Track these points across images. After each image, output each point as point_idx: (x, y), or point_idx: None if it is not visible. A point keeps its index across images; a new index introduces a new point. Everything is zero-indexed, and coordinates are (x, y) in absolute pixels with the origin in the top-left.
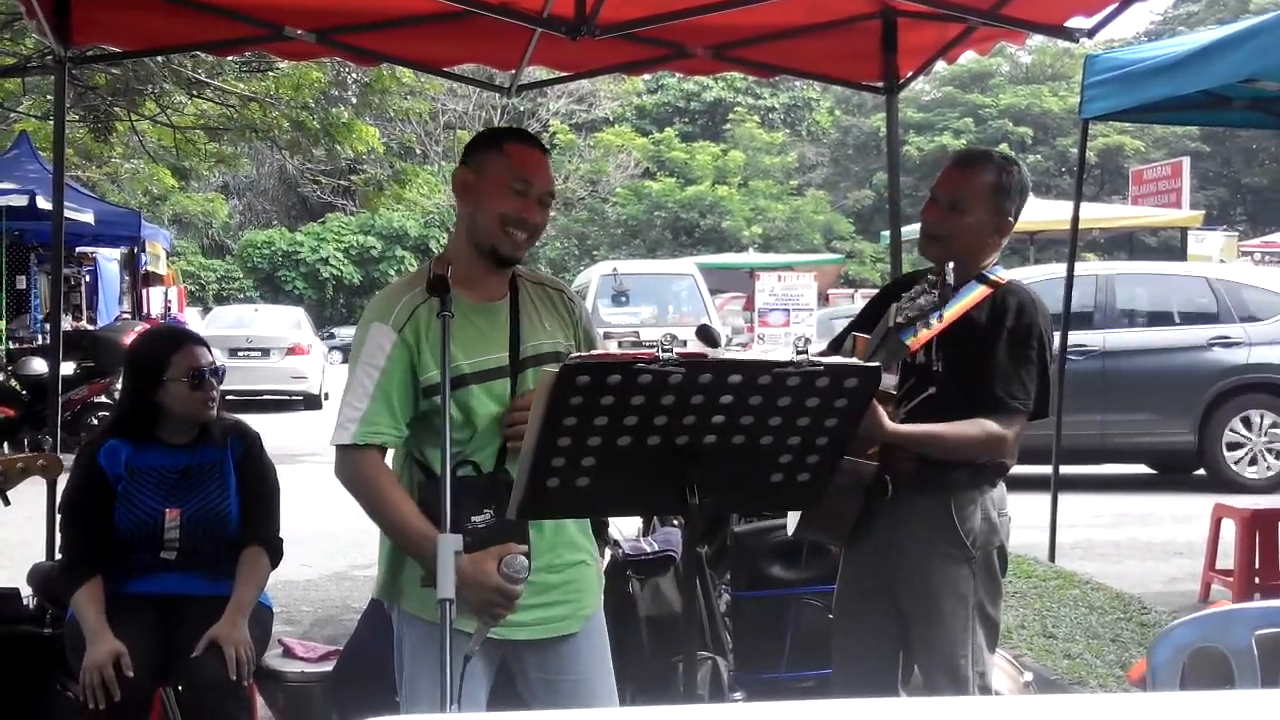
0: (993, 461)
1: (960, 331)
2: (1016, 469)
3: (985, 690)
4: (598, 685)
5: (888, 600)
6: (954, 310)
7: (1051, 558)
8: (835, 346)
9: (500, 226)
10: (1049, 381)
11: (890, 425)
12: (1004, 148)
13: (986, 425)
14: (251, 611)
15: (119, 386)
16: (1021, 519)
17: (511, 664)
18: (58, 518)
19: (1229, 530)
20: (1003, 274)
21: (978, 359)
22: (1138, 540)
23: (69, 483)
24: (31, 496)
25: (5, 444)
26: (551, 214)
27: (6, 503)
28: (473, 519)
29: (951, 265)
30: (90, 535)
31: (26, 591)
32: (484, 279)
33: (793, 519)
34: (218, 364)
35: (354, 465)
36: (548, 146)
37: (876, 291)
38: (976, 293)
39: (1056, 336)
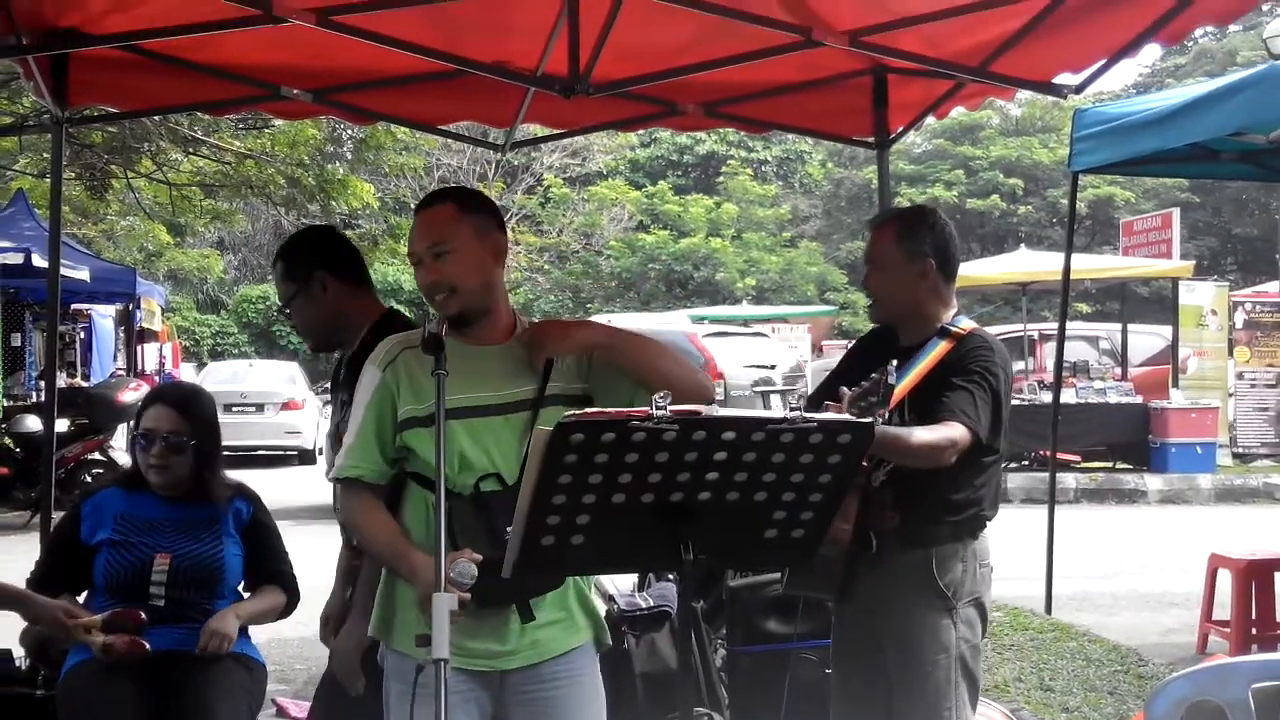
0: (974, 515)
1: (927, 387)
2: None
3: None
4: (585, 711)
5: (878, 655)
6: (920, 368)
7: (1048, 610)
8: (817, 397)
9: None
10: (1003, 416)
11: None
12: (995, 199)
13: (935, 429)
14: (245, 660)
15: (113, 444)
16: (1018, 571)
17: (505, 700)
18: None
19: (1225, 581)
20: (965, 324)
21: (939, 399)
22: (1134, 591)
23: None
24: (22, 555)
25: None
26: (545, 267)
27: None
28: (508, 529)
29: (894, 364)
30: (53, 563)
31: (19, 653)
32: (473, 329)
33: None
34: (184, 435)
35: (343, 500)
36: (542, 200)
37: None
38: (938, 349)
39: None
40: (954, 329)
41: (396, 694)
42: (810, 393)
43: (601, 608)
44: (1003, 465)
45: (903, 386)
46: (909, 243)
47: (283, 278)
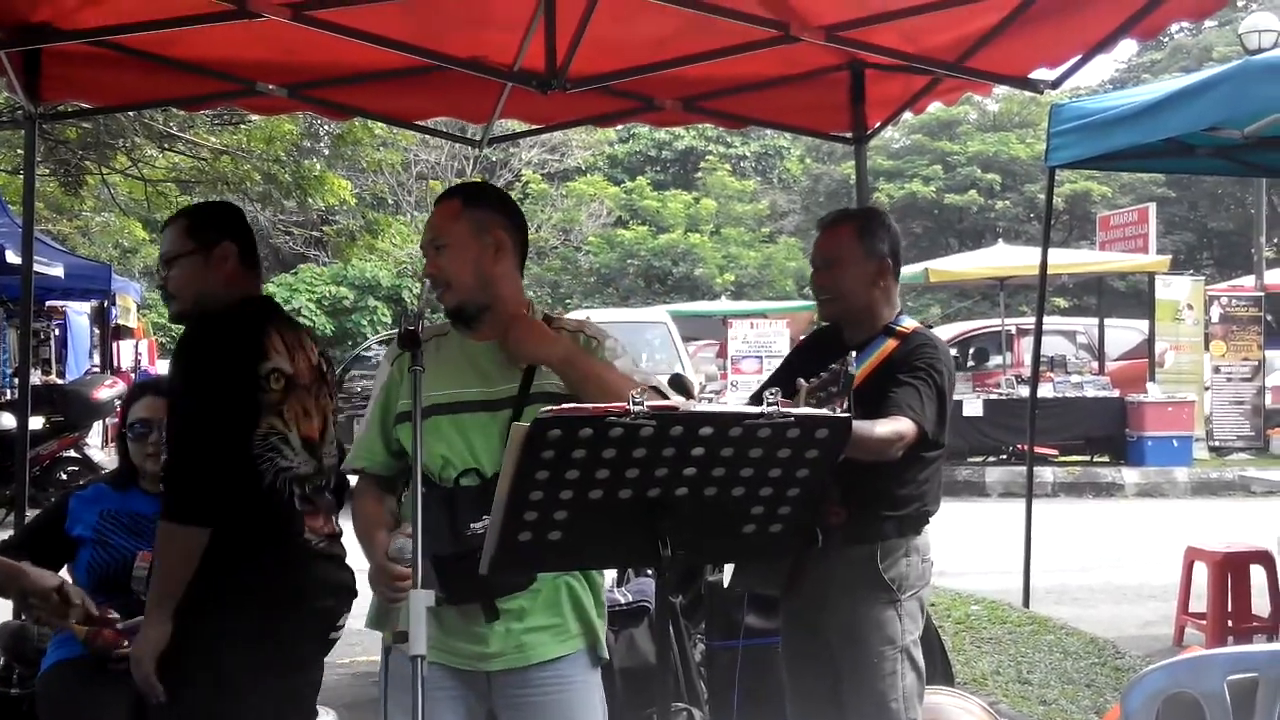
0: (918, 510)
1: (872, 384)
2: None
3: None
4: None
5: (826, 649)
6: (865, 366)
7: (1026, 603)
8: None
9: None
10: (947, 412)
11: None
12: (973, 194)
13: (883, 423)
14: None
15: (88, 441)
16: (995, 564)
17: (493, 701)
18: None
19: (1201, 574)
20: (908, 324)
21: (884, 396)
22: (1111, 584)
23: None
24: None
25: None
26: (526, 264)
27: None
28: (471, 525)
29: (853, 355)
30: (29, 537)
31: None
32: (478, 324)
33: (729, 570)
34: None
35: (354, 490)
36: (521, 196)
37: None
38: (883, 347)
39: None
40: (898, 328)
41: (392, 685)
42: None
43: (603, 627)
44: (944, 462)
45: None
46: (869, 240)
47: (183, 234)
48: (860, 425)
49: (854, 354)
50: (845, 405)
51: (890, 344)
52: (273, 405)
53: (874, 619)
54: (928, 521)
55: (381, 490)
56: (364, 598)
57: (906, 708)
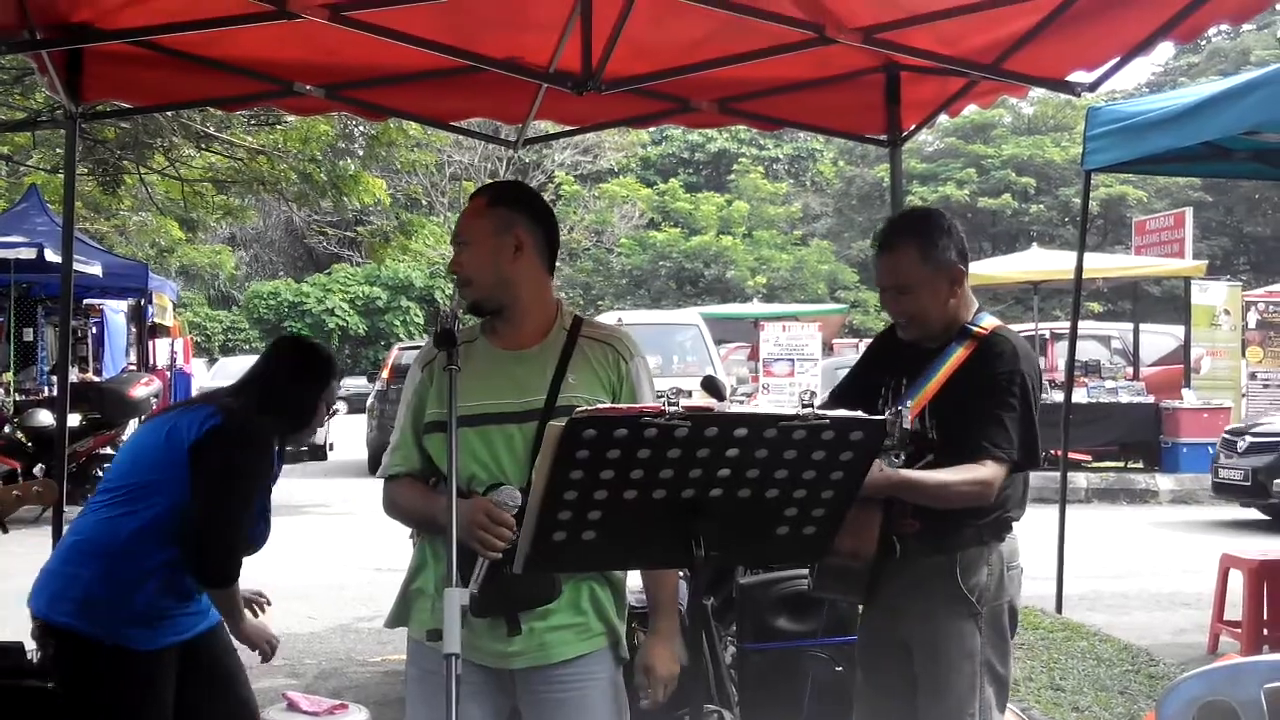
0: (999, 517)
1: (949, 393)
2: None
3: None
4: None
5: (904, 657)
6: (940, 374)
7: (1059, 609)
8: (837, 396)
9: None
10: (1036, 432)
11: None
12: (1007, 198)
13: (967, 471)
14: None
15: (124, 439)
16: (1029, 570)
17: (518, 696)
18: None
19: (1237, 581)
20: (987, 323)
21: (963, 412)
22: (1145, 591)
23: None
24: (34, 549)
25: None
26: (555, 264)
27: (5, 530)
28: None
29: (906, 405)
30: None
31: (31, 646)
32: (503, 328)
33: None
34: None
35: (386, 495)
36: (553, 197)
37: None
38: (960, 352)
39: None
40: (975, 329)
41: (413, 679)
42: (830, 392)
43: (622, 627)
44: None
45: (922, 395)
46: (934, 256)
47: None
48: (936, 482)
49: (905, 404)
50: (900, 457)
51: (965, 350)
52: None
53: (953, 631)
54: (1010, 528)
55: (416, 481)
56: (384, 598)
57: None
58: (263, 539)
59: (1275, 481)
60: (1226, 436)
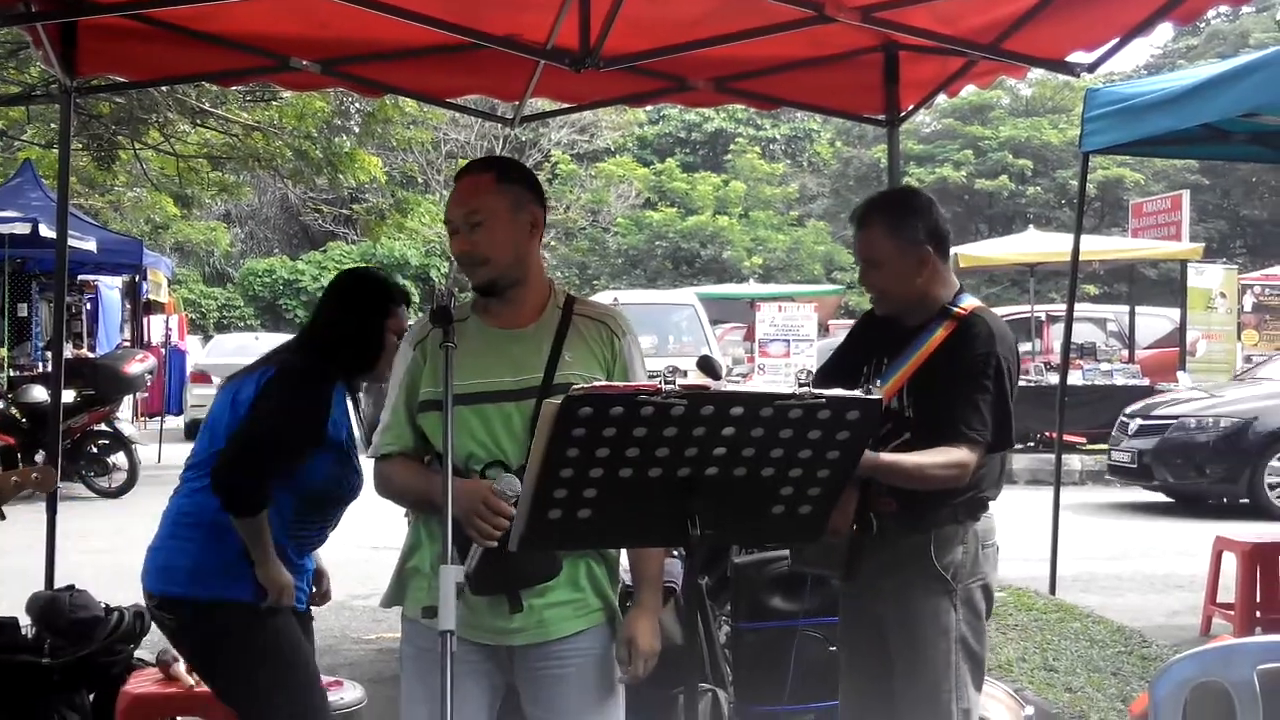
0: (974, 497)
1: (926, 372)
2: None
3: None
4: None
5: (881, 635)
6: (919, 353)
7: (1052, 590)
8: (823, 375)
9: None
10: (1010, 412)
11: None
12: (1004, 180)
13: (943, 453)
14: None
15: (118, 415)
16: (1023, 551)
17: (515, 673)
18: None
19: (1230, 563)
20: (967, 304)
21: (939, 393)
22: (1139, 573)
23: (293, 410)
24: (28, 524)
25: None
26: (552, 243)
27: (2, 517)
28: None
29: (877, 384)
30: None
31: (25, 621)
32: (499, 307)
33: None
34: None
35: (379, 474)
36: (549, 176)
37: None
38: (939, 332)
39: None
40: (956, 309)
41: (408, 657)
42: (817, 370)
43: (616, 602)
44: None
45: (900, 374)
46: (902, 233)
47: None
48: (913, 464)
49: (876, 384)
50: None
51: (945, 330)
52: None
53: (928, 609)
54: (986, 507)
55: (410, 460)
56: (380, 576)
57: (958, 698)
58: (355, 489)
59: (1158, 466)
60: (1123, 418)
